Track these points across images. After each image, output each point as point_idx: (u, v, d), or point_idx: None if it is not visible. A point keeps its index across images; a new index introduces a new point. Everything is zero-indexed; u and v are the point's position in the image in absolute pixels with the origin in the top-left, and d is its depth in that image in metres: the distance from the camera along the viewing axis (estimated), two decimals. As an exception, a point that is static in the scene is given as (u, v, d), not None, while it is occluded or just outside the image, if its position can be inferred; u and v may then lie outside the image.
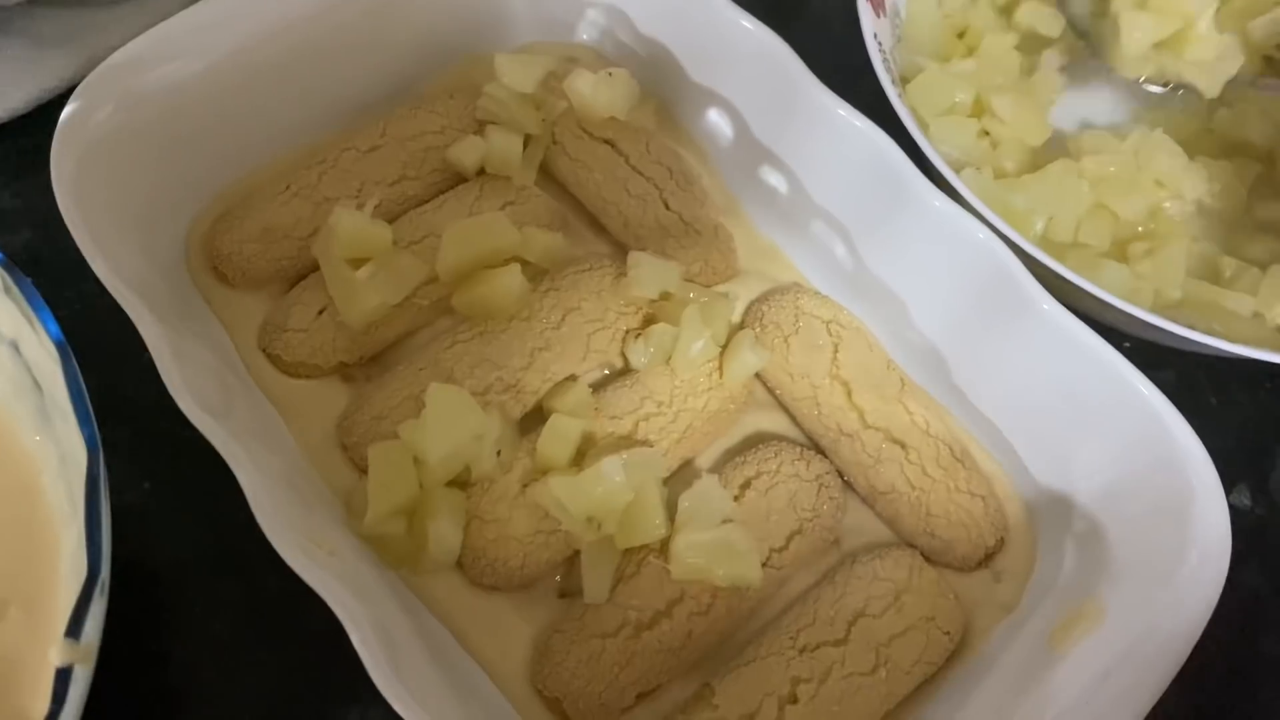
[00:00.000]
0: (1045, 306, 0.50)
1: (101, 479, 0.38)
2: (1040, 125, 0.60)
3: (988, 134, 0.60)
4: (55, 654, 0.35)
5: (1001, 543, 0.52)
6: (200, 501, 0.53)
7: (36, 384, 0.44)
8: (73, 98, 0.50)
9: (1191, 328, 0.51)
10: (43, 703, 0.41)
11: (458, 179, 0.59)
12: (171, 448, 0.51)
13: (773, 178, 0.59)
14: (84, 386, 0.39)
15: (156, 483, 0.54)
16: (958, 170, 0.55)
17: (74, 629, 0.35)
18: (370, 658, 0.40)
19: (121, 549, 0.41)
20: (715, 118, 0.60)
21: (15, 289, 0.41)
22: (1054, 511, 0.52)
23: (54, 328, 0.40)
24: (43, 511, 0.45)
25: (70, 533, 0.44)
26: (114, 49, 0.51)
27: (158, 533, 0.52)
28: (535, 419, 0.52)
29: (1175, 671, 0.43)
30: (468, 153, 0.58)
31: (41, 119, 0.62)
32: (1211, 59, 0.61)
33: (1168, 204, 0.60)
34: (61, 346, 0.40)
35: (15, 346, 0.44)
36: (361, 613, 0.41)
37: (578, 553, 0.50)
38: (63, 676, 0.35)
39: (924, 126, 0.57)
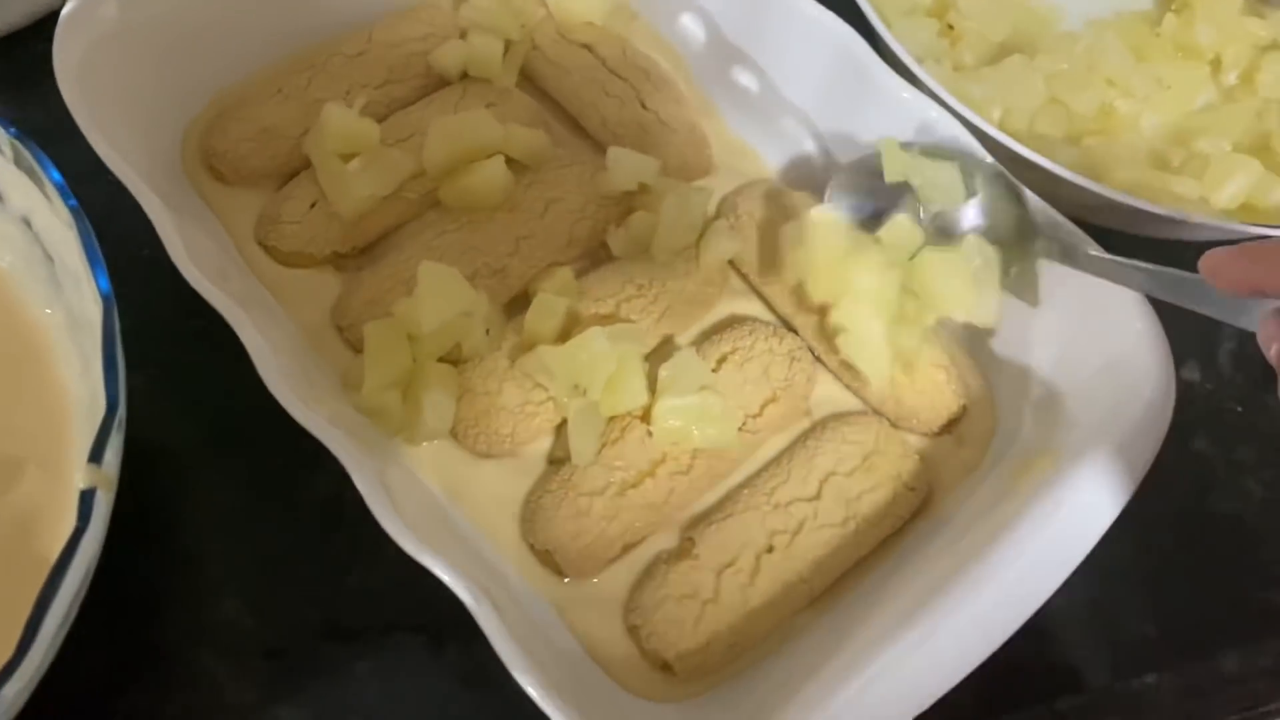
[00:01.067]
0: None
1: (115, 324, 0.40)
2: (1001, 20, 0.63)
3: (952, 28, 0.63)
4: (80, 478, 0.38)
5: (963, 409, 0.55)
6: (201, 388, 0.55)
7: (47, 255, 0.46)
8: (74, -6, 0.52)
9: (1141, 207, 0.54)
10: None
11: (441, 83, 0.61)
12: (171, 340, 0.54)
13: (744, 77, 0.61)
14: (97, 244, 0.41)
15: (158, 371, 0.56)
16: (919, 64, 0.58)
17: (96, 455, 0.38)
18: (373, 498, 0.43)
19: (127, 430, 0.43)
20: (688, 21, 0.63)
21: (28, 157, 0.43)
22: (1013, 378, 0.55)
23: (67, 192, 0.42)
24: (55, 376, 0.47)
25: (82, 395, 0.46)
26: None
27: (162, 416, 0.54)
28: (521, 305, 0.55)
29: (1121, 507, 0.46)
30: (451, 56, 0.60)
31: (36, 33, 0.64)
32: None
33: (1118, 101, 0.63)
34: (75, 209, 0.42)
35: (27, 221, 0.47)
36: (364, 461, 0.44)
37: (564, 423, 0.53)
38: (86, 498, 0.37)
39: (888, 24, 0.60)
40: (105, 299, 0.40)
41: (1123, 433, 0.47)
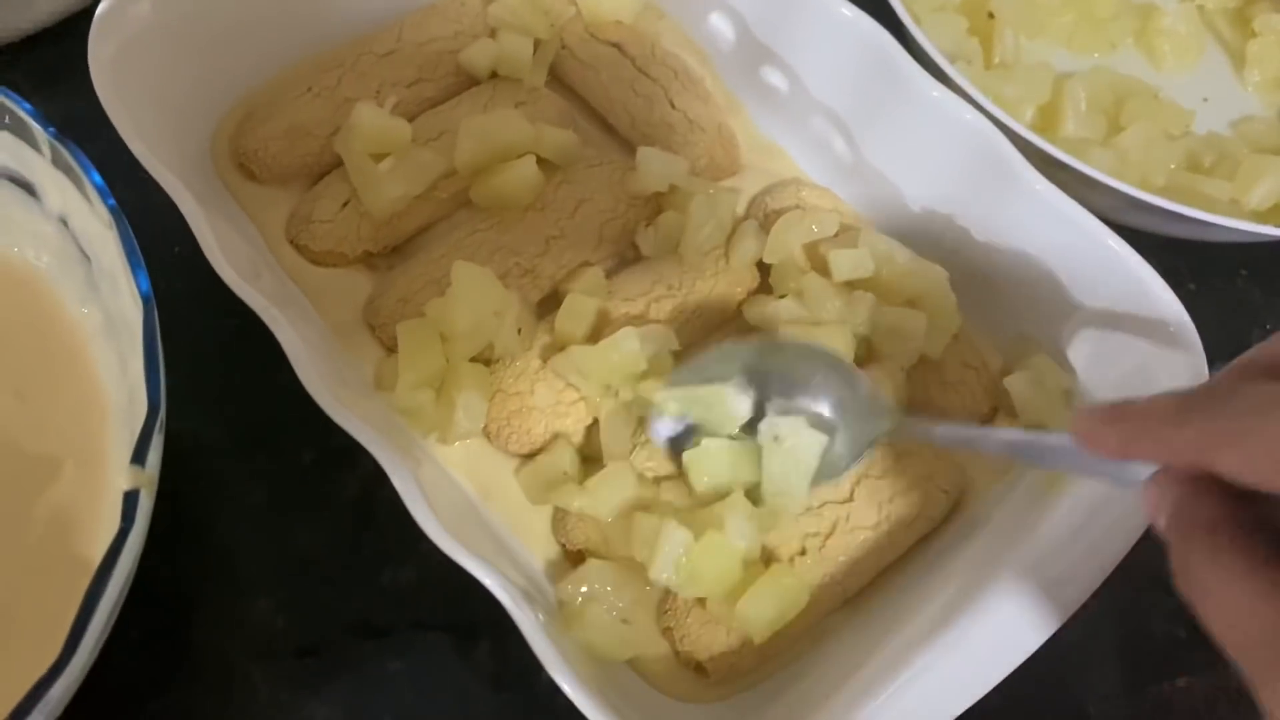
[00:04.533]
0: (1037, 186, 0.52)
1: (156, 325, 0.40)
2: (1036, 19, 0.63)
3: (992, 16, 0.63)
4: (122, 480, 0.38)
5: (995, 410, 0.55)
6: (234, 386, 0.55)
7: (85, 255, 0.47)
8: (108, -9, 0.52)
9: (1172, 209, 0.54)
10: (98, 550, 0.44)
11: (471, 82, 0.61)
12: (204, 338, 0.54)
13: (773, 76, 0.61)
14: (137, 245, 0.42)
15: (191, 369, 0.55)
16: (951, 63, 0.58)
17: (139, 456, 0.38)
18: (410, 497, 0.43)
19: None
20: (717, 20, 0.62)
21: (68, 157, 0.43)
22: (1044, 379, 0.55)
23: (106, 191, 0.42)
24: (92, 376, 0.47)
25: (119, 394, 0.47)
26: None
27: (192, 415, 0.54)
28: (551, 305, 0.55)
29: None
30: (480, 55, 0.60)
31: (68, 30, 0.64)
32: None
33: (1150, 105, 0.63)
34: (114, 209, 0.42)
35: (64, 220, 0.47)
36: (400, 460, 0.44)
37: (596, 422, 0.53)
38: (130, 499, 0.37)
39: (918, 21, 0.60)
40: (146, 300, 0.40)
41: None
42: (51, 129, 0.44)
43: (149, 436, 0.38)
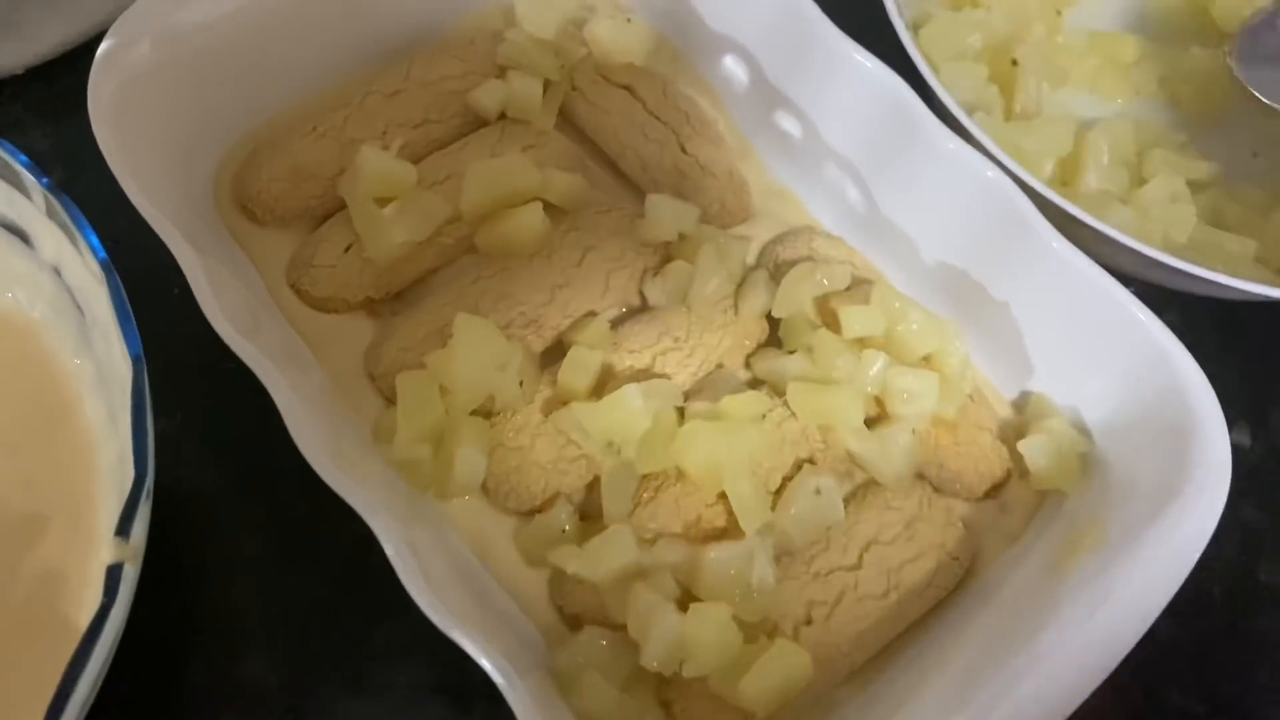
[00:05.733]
0: (1054, 244, 0.51)
1: (145, 390, 0.39)
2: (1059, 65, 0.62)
3: (1016, 63, 0.61)
4: (106, 552, 0.37)
5: (1009, 475, 0.54)
6: (230, 432, 0.54)
7: (78, 306, 0.46)
8: (110, 33, 0.51)
9: (1196, 268, 0.53)
10: (85, 612, 0.43)
11: (479, 123, 0.60)
12: (202, 380, 0.53)
13: (786, 121, 0.60)
14: (128, 302, 0.41)
15: (188, 413, 0.55)
16: (969, 114, 0.56)
17: (124, 528, 0.37)
18: (402, 567, 0.42)
19: (155, 475, 0.42)
20: (730, 63, 0.61)
21: (60, 211, 0.42)
22: (1059, 444, 0.54)
23: (98, 246, 0.41)
24: (83, 430, 0.46)
25: (110, 450, 0.46)
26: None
27: (190, 460, 0.54)
28: (555, 354, 0.54)
29: (1173, 593, 0.44)
30: (489, 96, 0.59)
31: (71, 64, 0.63)
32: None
33: (1174, 156, 0.61)
34: (105, 264, 0.41)
35: (57, 270, 0.46)
36: (393, 526, 0.43)
37: (596, 480, 0.51)
38: (113, 573, 0.36)
39: (935, 69, 0.58)
40: (135, 361, 0.39)
41: (1175, 512, 0.46)
42: (45, 180, 0.43)
43: (134, 507, 0.37)
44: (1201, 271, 0.52)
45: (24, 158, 0.42)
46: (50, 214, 0.43)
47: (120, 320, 0.40)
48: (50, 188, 0.43)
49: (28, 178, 0.43)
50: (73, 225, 0.42)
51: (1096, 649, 0.43)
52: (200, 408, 0.55)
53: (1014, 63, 0.61)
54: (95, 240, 0.41)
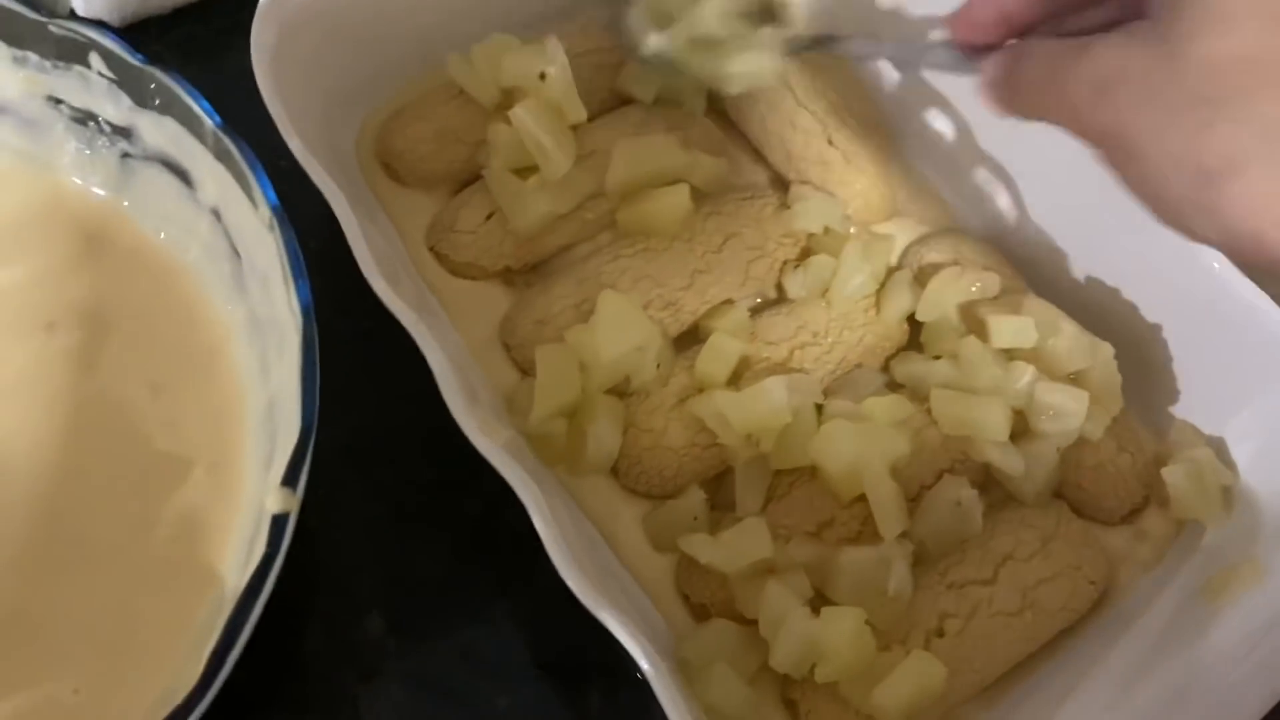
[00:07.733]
0: (1215, 266, 0.50)
1: (315, 340, 0.39)
2: None
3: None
4: (271, 502, 0.37)
5: (1147, 500, 0.52)
6: (357, 393, 0.53)
7: (235, 251, 0.45)
8: (272, -22, 0.50)
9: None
10: (225, 561, 0.43)
11: (624, 99, 0.59)
12: (330, 340, 0.52)
13: (938, 121, 0.59)
14: (300, 252, 0.40)
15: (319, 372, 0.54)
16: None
17: (291, 478, 0.36)
18: (552, 543, 0.41)
19: None
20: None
21: (235, 153, 0.41)
22: (1202, 474, 0.52)
23: (270, 192, 0.41)
24: (231, 377, 0.46)
25: (258, 399, 0.45)
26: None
27: (319, 420, 0.53)
28: (689, 339, 0.53)
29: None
30: (642, 79, 0.58)
31: (216, 6, 0.63)
32: None
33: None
34: (278, 210, 0.41)
35: (217, 214, 0.45)
36: (542, 498, 0.42)
37: (727, 469, 0.51)
38: (279, 523, 0.36)
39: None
40: (305, 312, 0.39)
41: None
42: (219, 120, 0.42)
43: (302, 458, 0.37)
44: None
45: (204, 100, 0.42)
46: (220, 156, 0.43)
47: (292, 269, 0.39)
48: (224, 129, 0.42)
49: (203, 117, 0.42)
50: (246, 168, 0.41)
51: (1246, 697, 0.42)
52: (328, 368, 0.54)
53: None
54: (268, 185, 0.41)
